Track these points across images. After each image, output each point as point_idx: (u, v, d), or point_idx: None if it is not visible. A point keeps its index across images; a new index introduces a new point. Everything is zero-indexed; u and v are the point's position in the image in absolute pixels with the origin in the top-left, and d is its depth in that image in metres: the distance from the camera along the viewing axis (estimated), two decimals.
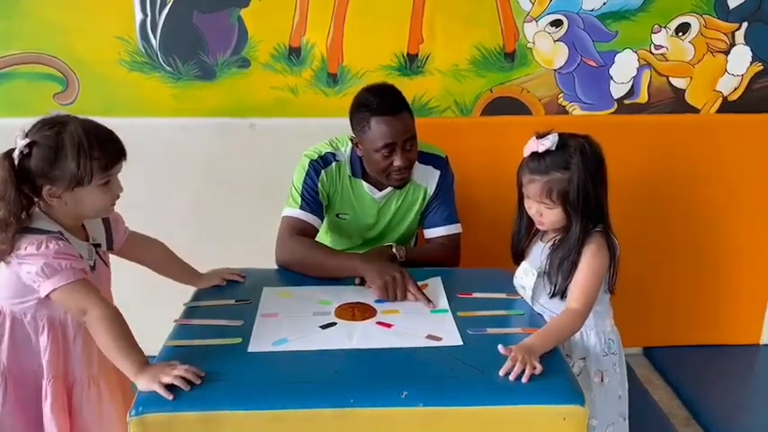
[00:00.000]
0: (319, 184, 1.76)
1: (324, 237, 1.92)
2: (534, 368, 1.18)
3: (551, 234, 1.49)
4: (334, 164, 1.78)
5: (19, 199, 1.24)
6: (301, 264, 1.66)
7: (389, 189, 1.81)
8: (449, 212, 1.86)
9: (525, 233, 1.55)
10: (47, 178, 1.25)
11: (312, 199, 1.75)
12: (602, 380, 1.49)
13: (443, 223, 1.85)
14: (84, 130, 1.25)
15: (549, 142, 1.40)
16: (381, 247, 1.80)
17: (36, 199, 1.28)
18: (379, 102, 1.68)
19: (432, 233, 1.87)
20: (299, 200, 1.75)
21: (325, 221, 1.85)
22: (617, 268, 1.46)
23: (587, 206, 1.40)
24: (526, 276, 1.50)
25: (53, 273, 1.23)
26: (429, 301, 1.48)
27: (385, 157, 1.69)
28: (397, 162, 1.69)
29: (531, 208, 1.46)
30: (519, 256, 1.57)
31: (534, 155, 1.42)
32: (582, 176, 1.38)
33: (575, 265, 1.41)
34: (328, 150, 1.80)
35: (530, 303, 1.50)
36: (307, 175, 1.76)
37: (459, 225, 1.87)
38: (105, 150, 1.27)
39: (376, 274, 1.51)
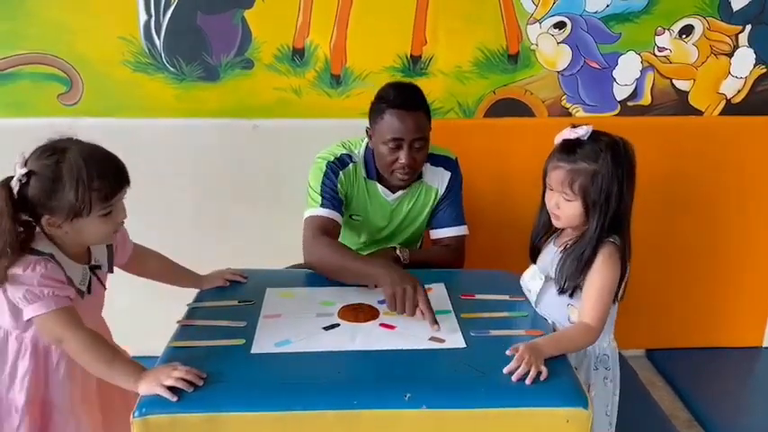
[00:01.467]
0: (339, 185, 1.74)
1: None
2: (539, 370, 1.17)
3: (565, 238, 1.46)
4: (350, 165, 1.78)
5: (14, 229, 1.20)
6: (324, 266, 1.61)
7: (402, 191, 1.80)
8: (456, 213, 1.85)
9: (542, 229, 1.51)
10: (45, 208, 1.22)
11: (332, 196, 1.73)
12: (587, 391, 1.47)
13: (451, 224, 1.84)
14: (85, 160, 1.21)
15: (583, 131, 1.38)
16: (385, 249, 1.80)
17: (36, 225, 1.25)
18: (397, 95, 1.68)
19: (438, 233, 1.86)
20: (320, 198, 1.72)
21: None
22: (626, 284, 1.43)
23: (607, 206, 1.35)
24: (533, 281, 1.49)
25: (34, 299, 1.21)
26: (435, 322, 1.35)
27: (391, 150, 1.69)
28: (402, 160, 1.68)
29: (551, 200, 1.42)
30: (534, 252, 1.54)
31: (565, 143, 1.40)
32: (608, 173, 1.34)
33: (587, 265, 1.37)
34: (343, 152, 1.78)
35: (534, 307, 1.48)
36: (325, 176, 1.74)
37: (465, 227, 1.86)
38: (106, 180, 1.24)
39: (389, 283, 1.44)
